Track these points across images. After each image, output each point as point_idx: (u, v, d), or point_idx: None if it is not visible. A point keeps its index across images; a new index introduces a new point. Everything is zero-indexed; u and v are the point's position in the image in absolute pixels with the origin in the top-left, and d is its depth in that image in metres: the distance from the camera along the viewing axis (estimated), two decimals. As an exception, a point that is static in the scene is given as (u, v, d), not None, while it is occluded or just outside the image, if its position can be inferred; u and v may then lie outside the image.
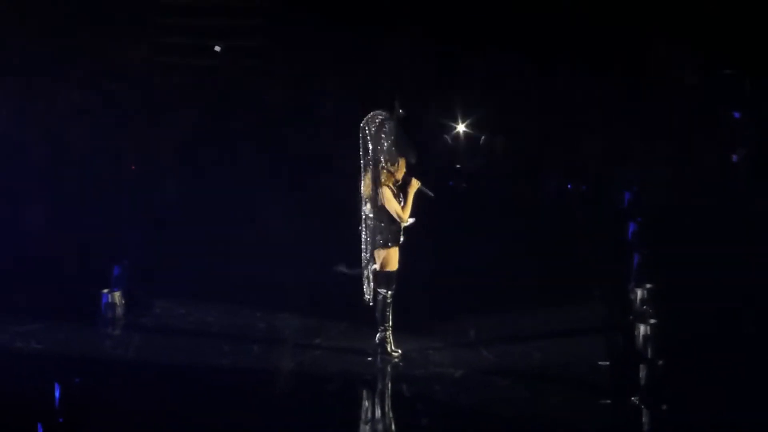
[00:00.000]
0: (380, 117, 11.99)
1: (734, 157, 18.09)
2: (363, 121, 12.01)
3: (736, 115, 18.21)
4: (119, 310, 13.68)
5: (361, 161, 12.07)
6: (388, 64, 18.77)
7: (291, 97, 18.99)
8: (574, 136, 18.51)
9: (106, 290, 13.72)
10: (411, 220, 12.13)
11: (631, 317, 13.33)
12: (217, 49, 19.11)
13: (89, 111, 18.39)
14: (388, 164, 11.98)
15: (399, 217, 11.96)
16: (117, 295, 13.71)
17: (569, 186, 18.52)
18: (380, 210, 12.01)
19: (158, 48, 19.16)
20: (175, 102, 18.91)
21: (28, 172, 17.47)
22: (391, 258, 12.06)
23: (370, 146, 11.98)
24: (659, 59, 18.36)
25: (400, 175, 12.04)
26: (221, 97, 18.92)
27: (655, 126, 18.33)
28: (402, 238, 12.07)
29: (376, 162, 11.97)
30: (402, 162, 12.03)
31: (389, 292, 12.06)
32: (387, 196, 11.97)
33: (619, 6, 18.20)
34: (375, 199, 11.99)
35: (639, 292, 13.79)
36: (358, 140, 12.04)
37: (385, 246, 12.03)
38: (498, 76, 18.85)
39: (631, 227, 16.37)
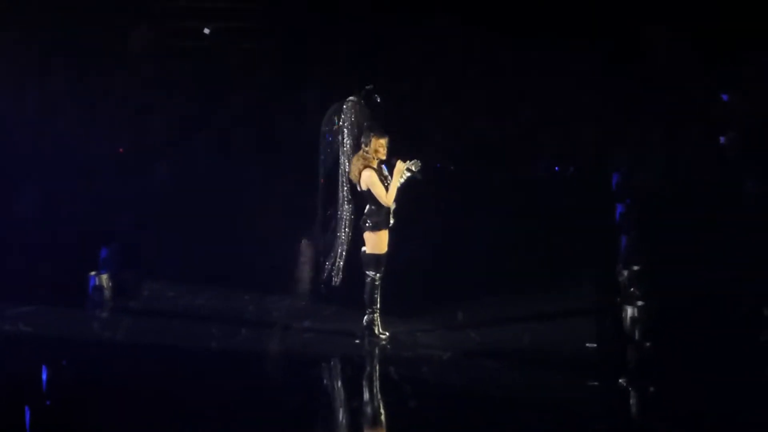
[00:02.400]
0: (351, 103, 11.99)
1: (722, 139, 18.09)
2: (333, 112, 12.02)
3: (725, 97, 18.21)
4: (107, 293, 13.67)
5: (338, 150, 12.06)
6: (386, 48, 18.71)
7: (287, 79, 18.92)
8: (563, 119, 18.49)
9: (93, 273, 13.71)
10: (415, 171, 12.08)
11: (619, 299, 13.35)
12: (206, 31, 19.05)
13: (81, 94, 18.33)
14: (363, 146, 11.97)
15: (382, 200, 11.93)
16: (104, 277, 13.69)
17: (557, 168, 18.51)
18: (369, 193, 11.99)
19: (154, 30, 19.07)
20: (168, 85, 18.85)
21: (19, 157, 17.43)
22: (380, 241, 12.03)
23: (348, 133, 11.98)
24: (651, 40, 18.34)
25: (381, 155, 12.00)
26: (215, 80, 18.86)
27: (644, 108, 18.32)
28: (392, 221, 12.05)
29: (359, 146, 11.97)
30: (376, 141, 11.97)
31: (378, 275, 12.04)
32: (372, 179, 11.93)
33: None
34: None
35: (627, 274, 13.81)
36: (332, 131, 12.03)
37: (374, 229, 12.01)
38: (488, 58, 18.80)
39: (620, 209, 16.37)
